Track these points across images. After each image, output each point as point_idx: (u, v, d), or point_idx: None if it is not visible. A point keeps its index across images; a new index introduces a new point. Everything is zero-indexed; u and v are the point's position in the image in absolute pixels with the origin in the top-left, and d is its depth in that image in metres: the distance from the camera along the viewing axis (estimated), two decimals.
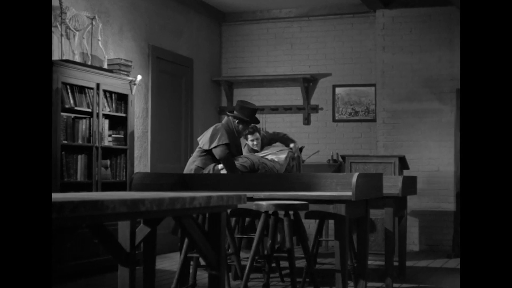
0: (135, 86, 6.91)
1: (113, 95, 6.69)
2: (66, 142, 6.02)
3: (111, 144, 6.64)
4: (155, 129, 8.01)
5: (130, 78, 6.86)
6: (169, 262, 7.08)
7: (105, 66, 6.73)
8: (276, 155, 6.89)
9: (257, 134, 7.18)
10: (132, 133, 6.89)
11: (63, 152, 5.97)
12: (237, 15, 9.58)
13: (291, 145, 7.05)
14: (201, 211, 3.69)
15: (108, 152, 6.64)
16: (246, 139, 7.26)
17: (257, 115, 6.80)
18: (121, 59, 6.95)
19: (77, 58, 6.49)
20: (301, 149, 8.97)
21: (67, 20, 6.35)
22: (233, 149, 6.42)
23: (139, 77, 7.06)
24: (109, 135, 6.64)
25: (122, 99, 6.82)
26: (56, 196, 2.94)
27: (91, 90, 6.35)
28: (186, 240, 4.79)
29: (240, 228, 6.16)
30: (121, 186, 6.67)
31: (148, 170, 7.81)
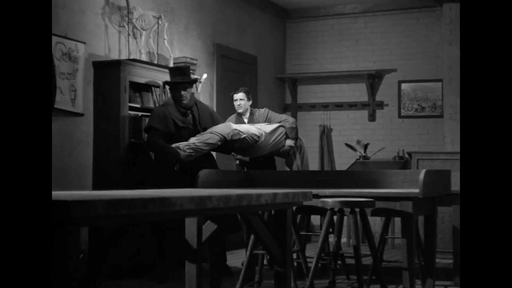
0: (200, 84, 6.98)
1: None
2: (133, 140, 6.13)
3: None
4: None
5: (196, 77, 6.93)
6: (234, 259, 7.13)
7: (171, 65, 6.82)
8: (261, 126, 6.25)
9: (242, 95, 6.53)
10: None
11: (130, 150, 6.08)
12: (301, 11, 9.56)
13: (289, 141, 6.39)
14: (267, 208, 3.70)
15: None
16: (231, 98, 6.68)
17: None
18: (187, 57, 7.02)
19: (144, 57, 6.60)
20: (366, 146, 8.92)
21: (134, 20, 6.45)
22: (166, 126, 5.85)
23: (205, 75, 7.12)
24: None
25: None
26: (126, 193, 3.00)
27: (157, 89, 6.44)
28: (252, 237, 4.81)
29: (305, 225, 6.14)
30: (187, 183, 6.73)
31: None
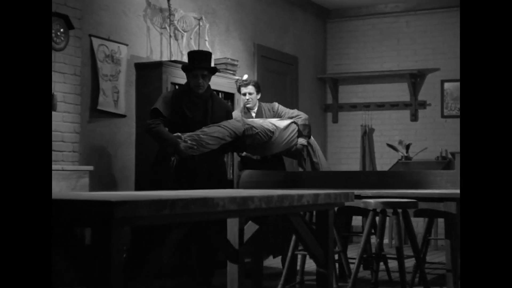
0: None
1: (219, 94, 6.79)
2: None
3: None
4: None
5: (236, 77, 6.94)
6: (276, 259, 7.12)
7: (212, 66, 6.84)
8: (274, 121, 5.70)
9: (252, 88, 5.95)
10: None
11: None
12: (342, 11, 9.52)
13: (301, 140, 5.84)
14: (309, 208, 3.69)
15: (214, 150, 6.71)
16: (239, 92, 6.08)
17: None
18: (228, 58, 7.04)
19: (185, 59, 6.63)
20: (408, 146, 8.83)
21: (176, 22, 6.50)
22: (171, 114, 5.15)
23: (245, 76, 7.12)
24: None
25: (228, 98, 6.91)
26: (168, 194, 3.02)
27: None
28: (293, 238, 4.81)
29: (346, 226, 6.09)
30: (228, 184, 6.75)
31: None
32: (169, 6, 6.42)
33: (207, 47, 6.86)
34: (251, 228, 3.96)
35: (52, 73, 5.24)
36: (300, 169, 6.35)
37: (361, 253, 4.58)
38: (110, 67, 5.85)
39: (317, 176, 5.57)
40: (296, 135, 5.79)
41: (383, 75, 9.25)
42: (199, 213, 2.66)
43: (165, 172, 5.11)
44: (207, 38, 6.87)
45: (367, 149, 9.19)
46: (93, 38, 5.72)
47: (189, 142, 4.96)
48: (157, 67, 6.04)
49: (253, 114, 6.02)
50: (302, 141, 5.84)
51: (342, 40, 9.60)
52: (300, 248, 4.87)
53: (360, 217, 7.12)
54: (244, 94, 5.99)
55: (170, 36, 6.51)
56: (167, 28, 6.48)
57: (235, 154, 6.41)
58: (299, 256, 5.14)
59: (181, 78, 6.19)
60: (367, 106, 9.35)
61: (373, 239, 5.09)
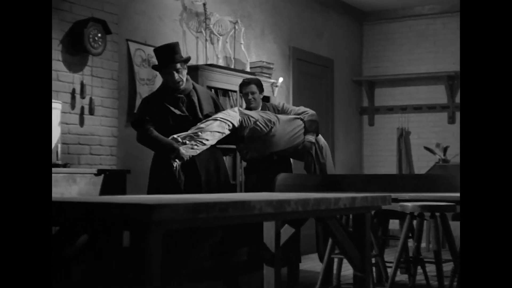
0: (276, 88, 6.98)
1: None
2: None
3: None
4: None
5: (272, 80, 6.95)
6: (312, 263, 7.10)
7: (248, 69, 6.86)
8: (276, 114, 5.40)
9: (254, 87, 5.56)
10: None
11: None
12: (378, 13, 9.46)
13: (309, 136, 5.45)
14: (346, 212, 3.68)
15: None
16: (241, 92, 5.72)
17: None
18: (263, 61, 7.05)
19: (221, 62, 6.66)
20: (445, 149, 8.74)
21: (211, 26, 6.53)
22: (159, 115, 4.80)
23: (281, 79, 7.12)
24: None
25: (264, 101, 6.91)
26: (206, 197, 3.03)
27: (234, 93, 6.49)
28: (329, 241, 4.79)
29: (383, 229, 6.05)
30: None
31: (290, 171, 7.84)
32: (205, 10, 6.46)
33: (242, 50, 6.88)
34: (287, 231, 3.96)
35: (90, 77, 5.31)
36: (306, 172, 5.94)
37: (399, 257, 4.54)
38: (147, 71, 5.89)
39: (354, 179, 5.53)
40: (302, 131, 5.44)
41: (420, 78, 9.17)
42: (236, 216, 2.66)
43: (169, 178, 4.72)
44: (242, 42, 6.89)
45: (403, 151, 9.12)
46: (130, 43, 5.78)
47: (187, 142, 4.61)
48: (193, 71, 6.06)
49: None
50: (309, 137, 5.45)
51: (379, 42, 9.54)
52: (336, 251, 4.85)
53: (397, 221, 7.07)
54: (246, 94, 5.60)
55: (206, 40, 6.54)
56: (203, 32, 6.51)
57: (237, 155, 6.16)
58: (336, 260, 5.12)
59: (218, 81, 6.22)
60: (403, 109, 9.28)
61: (411, 243, 5.04)
